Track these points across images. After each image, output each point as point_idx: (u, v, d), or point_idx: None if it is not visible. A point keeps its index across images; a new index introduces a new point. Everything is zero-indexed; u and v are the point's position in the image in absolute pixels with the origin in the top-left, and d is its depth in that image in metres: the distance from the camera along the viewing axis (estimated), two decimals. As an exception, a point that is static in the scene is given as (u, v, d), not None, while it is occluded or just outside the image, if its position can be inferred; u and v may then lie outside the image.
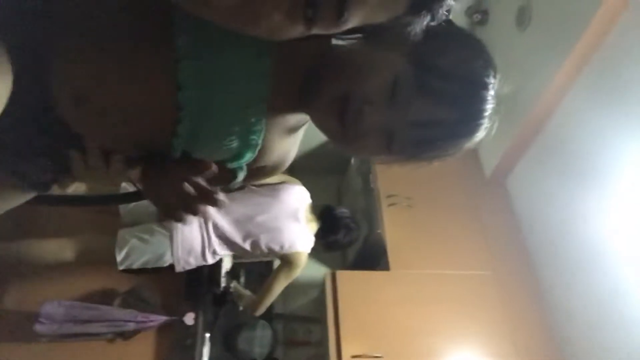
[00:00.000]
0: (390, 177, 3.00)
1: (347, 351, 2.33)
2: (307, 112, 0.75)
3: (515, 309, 2.56)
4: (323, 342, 2.44)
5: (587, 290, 2.38)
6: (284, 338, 2.82)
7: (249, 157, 0.77)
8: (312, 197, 2.35)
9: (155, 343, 2.32)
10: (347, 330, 2.40)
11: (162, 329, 2.32)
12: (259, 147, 0.76)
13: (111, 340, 2.26)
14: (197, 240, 2.12)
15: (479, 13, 3.16)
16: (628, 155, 2.10)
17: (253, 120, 0.73)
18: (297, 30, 0.54)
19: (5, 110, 0.57)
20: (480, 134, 0.71)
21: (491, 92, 0.69)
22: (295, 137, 0.85)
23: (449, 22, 0.67)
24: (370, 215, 3.05)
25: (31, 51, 0.66)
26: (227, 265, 2.48)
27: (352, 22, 0.54)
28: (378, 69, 0.66)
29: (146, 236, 2.11)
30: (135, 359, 2.27)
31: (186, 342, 2.31)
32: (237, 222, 2.16)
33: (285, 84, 0.73)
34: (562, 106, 2.52)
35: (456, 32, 0.72)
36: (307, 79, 0.73)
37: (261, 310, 2.28)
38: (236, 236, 2.15)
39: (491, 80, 0.68)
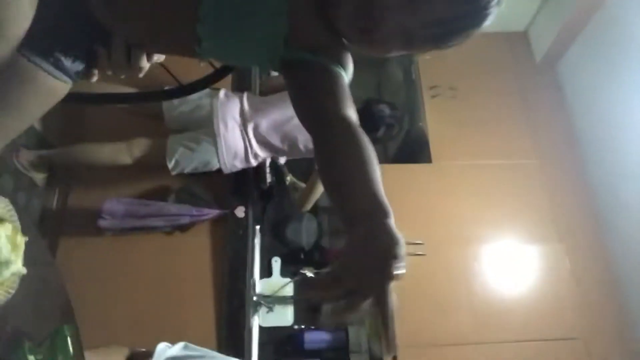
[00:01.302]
0: (433, 68, 2.89)
1: (390, 240, 2.43)
2: (330, 18, 0.76)
3: (560, 197, 2.56)
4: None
5: (632, 177, 2.33)
6: (328, 229, 2.95)
7: (273, 66, 0.79)
8: (351, 91, 2.31)
9: (210, 234, 2.48)
10: (390, 221, 2.48)
11: (215, 221, 2.47)
12: (286, 31, 0.76)
13: (169, 233, 2.43)
14: (240, 145, 2.21)
15: None
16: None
17: (275, 4, 0.74)
18: None
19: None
20: (490, 19, 0.72)
21: None
22: None
23: None
24: (412, 107, 3.00)
25: None
26: (281, 160, 2.54)
27: None
28: None
29: (193, 144, 2.22)
30: (193, 249, 2.44)
31: (238, 232, 2.46)
32: (275, 125, 2.21)
33: None
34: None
35: None
36: None
37: (308, 205, 2.38)
38: (275, 139, 2.22)
39: None
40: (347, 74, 0.80)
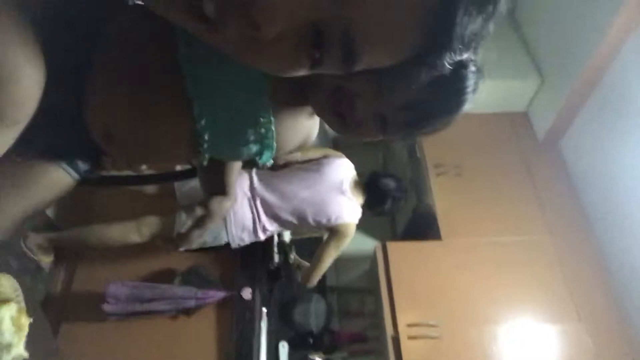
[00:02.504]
0: (437, 146, 2.94)
1: (402, 320, 2.35)
2: (309, 104, 0.81)
3: (575, 272, 2.50)
4: (377, 313, 2.46)
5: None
6: (338, 310, 2.86)
7: (268, 156, 0.84)
8: (356, 168, 2.35)
9: (215, 318, 2.40)
10: (401, 300, 2.41)
11: (221, 304, 2.41)
12: (274, 147, 0.82)
13: (174, 317, 2.36)
14: (249, 217, 2.21)
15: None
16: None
17: (262, 118, 0.79)
18: (302, 70, 0.54)
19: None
20: (466, 107, 0.74)
21: (471, 69, 0.71)
22: (314, 117, 0.89)
23: None
24: (418, 185, 3.02)
25: (70, 67, 0.73)
26: (286, 237, 2.52)
27: (359, 66, 0.53)
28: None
29: None
30: (198, 334, 2.36)
31: (245, 315, 2.38)
32: (284, 198, 2.22)
33: (284, 80, 0.76)
34: (616, 62, 2.39)
35: None
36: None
37: (314, 280, 2.31)
38: (283, 212, 2.22)
39: (474, 61, 0.71)
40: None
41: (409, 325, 2.33)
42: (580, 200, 2.80)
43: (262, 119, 0.79)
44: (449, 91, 0.71)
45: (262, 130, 0.80)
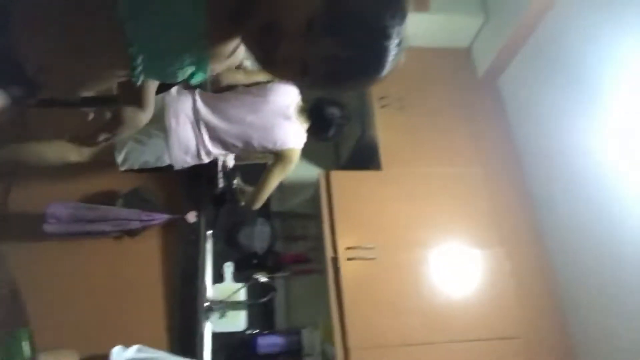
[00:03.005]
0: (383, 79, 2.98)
1: (342, 243, 2.48)
2: (240, 37, 0.83)
3: (503, 203, 2.71)
4: (319, 236, 2.58)
5: (571, 185, 2.52)
6: (282, 233, 2.97)
7: (200, 77, 0.87)
8: (302, 92, 2.36)
9: (160, 239, 2.43)
10: (341, 225, 2.53)
11: (166, 226, 2.43)
12: (208, 70, 0.86)
13: (118, 238, 2.37)
14: (192, 140, 2.19)
15: None
16: (620, 62, 2.12)
17: (197, 43, 0.81)
18: None
19: None
20: (383, 73, 0.77)
21: (395, 40, 0.74)
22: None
23: None
24: (362, 116, 3.08)
25: None
26: (230, 162, 2.53)
27: None
28: (297, 6, 0.72)
29: (143, 138, 2.16)
30: (143, 254, 2.39)
31: (190, 237, 2.43)
32: (229, 122, 2.21)
33: (219, 13, 0.79)
34: (556, 7, 2.48)
35: None
36: (238, 4, 0.79)
37: (258, 203, 2.36)
38: (228, 135, 2.21)
39: (395, 30, 0.73)
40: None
41: (348, 248, 2.47)
42: (513, 137, 2.99)
43: (196, 44, 0.80)
44: (371, 54, 0.74)
45: (196, 55, 0.82)
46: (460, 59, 3.21)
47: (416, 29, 3.05)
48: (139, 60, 0.79)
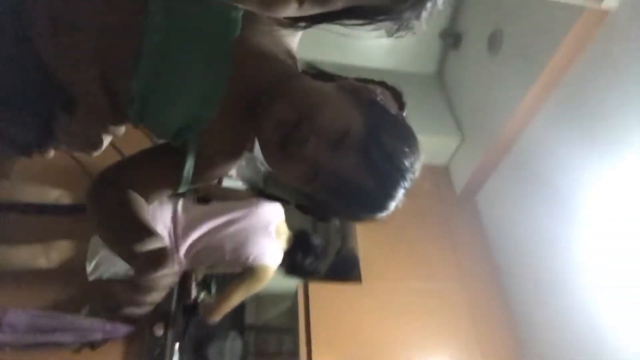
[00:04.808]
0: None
1: (318, 361, 2.35)
2: (252, 124, 0.79)
3: (483, 320, 2.65)
4: (295, 353, 2.44)
5: (551, 301, 2.48)
6: (255, 349, 2.80)
7: (201, 120, 0.79)
8: (286, 210, 2.35)
9: (123, 353, 2.27)
10: (318, 341, 2.42)
11: (130, 339, 2.28)
12: (212, 115, 0.79)
13: (77, 351, 2.20)
14: None
15: (452, 36, 3.27)
16: (591, 181, 2.22)
17: (211, 85, 0.77)
18: (290, 7, 0.56)
19: None
20: (382, 214, 0.77)
21: (407, 185, 0.76)
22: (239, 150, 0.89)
23: (401, 115, 0.81)
24: (343, 228, 3.09)
25: None
26: (199, 276, 2.46)
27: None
28: (337, 114, 0.72)
29: None
30: (102, 370, 2.21)
31: (155, 352, 2.27)
32: (206, 235, 2.15)
33: (241, 88, 0.78)
34: (528, 129, 2.64)
35: (404, 123, 0.80)
36: (263, 92, 0.77)
37: (216, 317, 2.22)
38: (202, 249, 2.14)
39: (410, 177, 0.76)
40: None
41: (324, 367, 2.33)
42: (492, 254, 2.99)
43: (211, 83, 0.76)
44: (385, 191, 0.74)
45: (210, 83, 0.77)
46: (439, 176, 3.32)
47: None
48: (150, 37, 0.73)
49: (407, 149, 0.75)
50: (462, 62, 3.29)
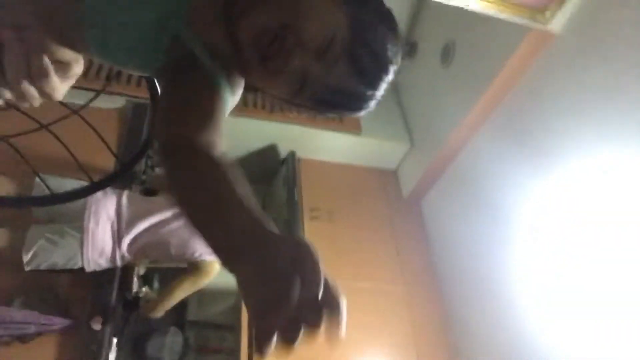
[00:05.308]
0: (314, 191, 3.09)
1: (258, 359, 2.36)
2: (228, 32, 0.70)
3: (420, 322, 2.75)
4: (235, 351, 2.44)
5: (486, 308, 2.60)
6: (195, 345, 2.78)
7: (158, 64, 0.72)
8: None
9: (57, 348, 2.19)
10: (260, 340, 2.43)
11: (66, 333, 2.21)
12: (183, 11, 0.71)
13: (7, 344, 2.11)
14: (109, 243, 2.06)
15: (409, 45, 3.35)
16: (523, 197, 2.34)
17: (167, 30, 0.70)
18: None
19: None
20: (367, 109, 0.76)
21: (390, 78, 0.74)
22: None
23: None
24: (292, 226, 3.11)
25: None
26: (141, 270, 2.41)
27: None
28: (323, 19, 0.67)
29: (56, 237, 2.03)
30: (34, 364, 2.13)
31: (91, 347, 2.21)
32: (151, 228, 2.11)
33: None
34: (471, 143, 2.76)
35: (384, 10, 0.74)
36: None
37: (158, 313, 2.19)
38: (147, 243, 2.10)
39: (394, 68, 0.73)
40: (232, 100, 0.72)
41: (264, 365, 2.34)
42: (433, 256, 3.10)
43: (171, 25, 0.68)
44: (373, 91, 0.72)
45: (166, 37, 0.69)
46: (388, 179, 3.41)
47: (350, 148, 3.24)
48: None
49: (391, 44, 0.72)
50: (416, 70, 3.38)
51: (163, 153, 0.61)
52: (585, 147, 2.02)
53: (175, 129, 0.62)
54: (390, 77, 0.73)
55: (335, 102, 0.72)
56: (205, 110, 0.65)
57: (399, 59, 0.74)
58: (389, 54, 0.71)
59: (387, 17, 0.73)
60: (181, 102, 0.66)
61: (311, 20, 0.66)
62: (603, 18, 1.97)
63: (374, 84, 0.71)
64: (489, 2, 2.03)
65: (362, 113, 0.76)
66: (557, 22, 2.13)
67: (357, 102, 0.73)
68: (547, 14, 2.09)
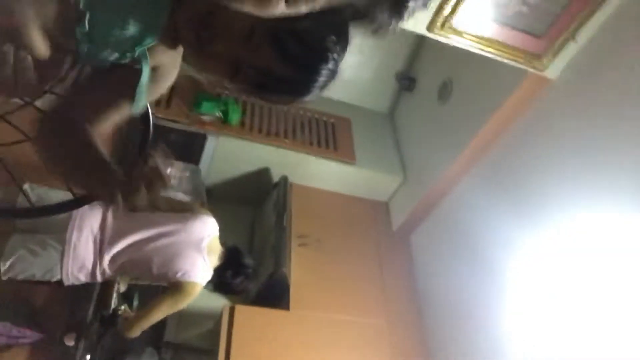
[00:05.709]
0: (304, 217, 3.06)
1: (234, 388, 2.30)
2: (173, 17, 0.77)
3: (401, 358, 2.69)
4: (211, 376, 2.38)
5: (469, 349, 2.56)
6: (171, 367, 2.71)
7: (149, 41, 0.78)
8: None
9: (25, 362, 2.12)
10: (236, 366, 2.37)
11: (37, 346, 2.14)
12: (157, 33, 0.77)
13: (-25, 354, 2.04)
14: (90, 259, 2.02)
15: (408, 79, 3.40)
16: (508, 243, 2.34)
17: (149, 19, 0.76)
18: (280, 5, 0.60)
19: None
20: (309, 96, 0.78)
21: (329, 65, 0.75)
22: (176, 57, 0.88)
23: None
24: (279, 252, 3.07)
25: None
26: (122, 287, 2.35)
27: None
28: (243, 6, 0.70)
29: (37, 248, 1.99)
30: (0, 378, 2.06)
31: (62, 363, 2.14)
32: (134, 245, 2.07)
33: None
34: (462, 183, 2.78)
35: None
36: None
37: (134, 332, 2.12)
38: (129, 260, 2.05)
39: (333, 56, 0.75)
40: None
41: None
42: (418, 292, 3.07)
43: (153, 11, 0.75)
44: (303, 77, 0.74)
45: (147, 21, 0.75)
46: (378, 211, 3.39)
47: (342, 177, 3.24)
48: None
49: (319, 29, 0.73)
50: (413, 105, 3.42)
51: (42, 119, 0.83)
52: (577, 195, 2.03)
53: (67, 111, 0.82)
54: (328, 65, 0.75)
55: (272, 86, 0.75)
56: (102, 111, 0.83)
57: (340, 49, 0.76)
58: (326, 42, 0.73)
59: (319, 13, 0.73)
60: (89, 97, 0.84)
61: (233, 9, 0.68)
62: (598, 67, 2.01)
63: (305, 69, 0.74)
64: (487, 44, 2.07)
65: (304, 99, 0.78)
66: (554, 69, 2.17)
67: (292, 86, 0.76)
68: (544, 60, 2.13)
